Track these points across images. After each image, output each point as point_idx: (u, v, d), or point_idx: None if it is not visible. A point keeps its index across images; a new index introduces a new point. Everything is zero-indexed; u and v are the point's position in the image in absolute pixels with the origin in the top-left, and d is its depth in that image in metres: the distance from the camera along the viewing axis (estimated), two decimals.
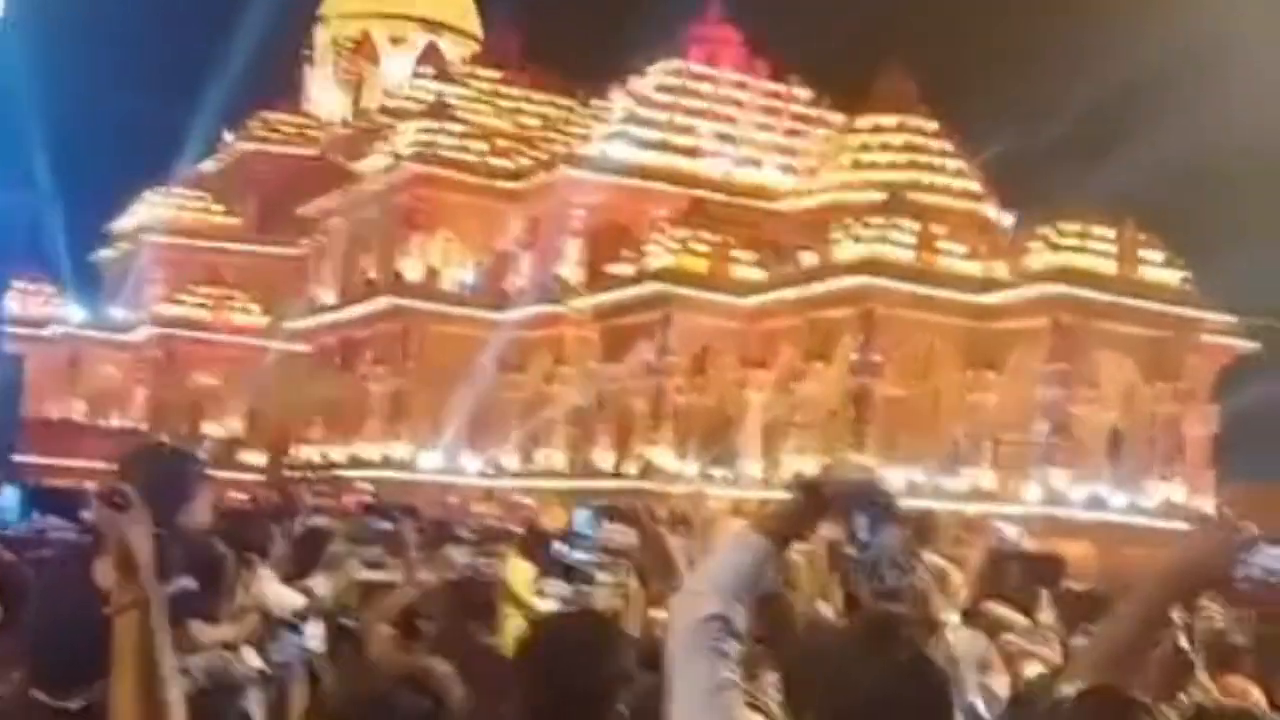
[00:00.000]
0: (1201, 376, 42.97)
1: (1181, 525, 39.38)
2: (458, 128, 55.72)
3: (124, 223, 68.73)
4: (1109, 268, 41.55)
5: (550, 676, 3.10)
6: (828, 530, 2.89)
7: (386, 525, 8.48)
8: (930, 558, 7.88)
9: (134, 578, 2.42)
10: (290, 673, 6.05)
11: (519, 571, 9.15)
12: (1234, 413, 43.15)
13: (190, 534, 4.25)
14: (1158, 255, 42.43)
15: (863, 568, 2.65)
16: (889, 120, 48.34)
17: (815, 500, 2.68)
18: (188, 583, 4.00)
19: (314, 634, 6.33)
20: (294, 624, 6.23)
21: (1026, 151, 55.72)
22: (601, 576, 6.56)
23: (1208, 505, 42.08)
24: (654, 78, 55.63)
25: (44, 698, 2.71)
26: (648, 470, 44.70)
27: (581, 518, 10.22)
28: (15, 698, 2.80)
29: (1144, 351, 41.89)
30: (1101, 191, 43.03)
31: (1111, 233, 42.08)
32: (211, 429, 62.42)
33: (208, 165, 70.91)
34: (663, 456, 45.48)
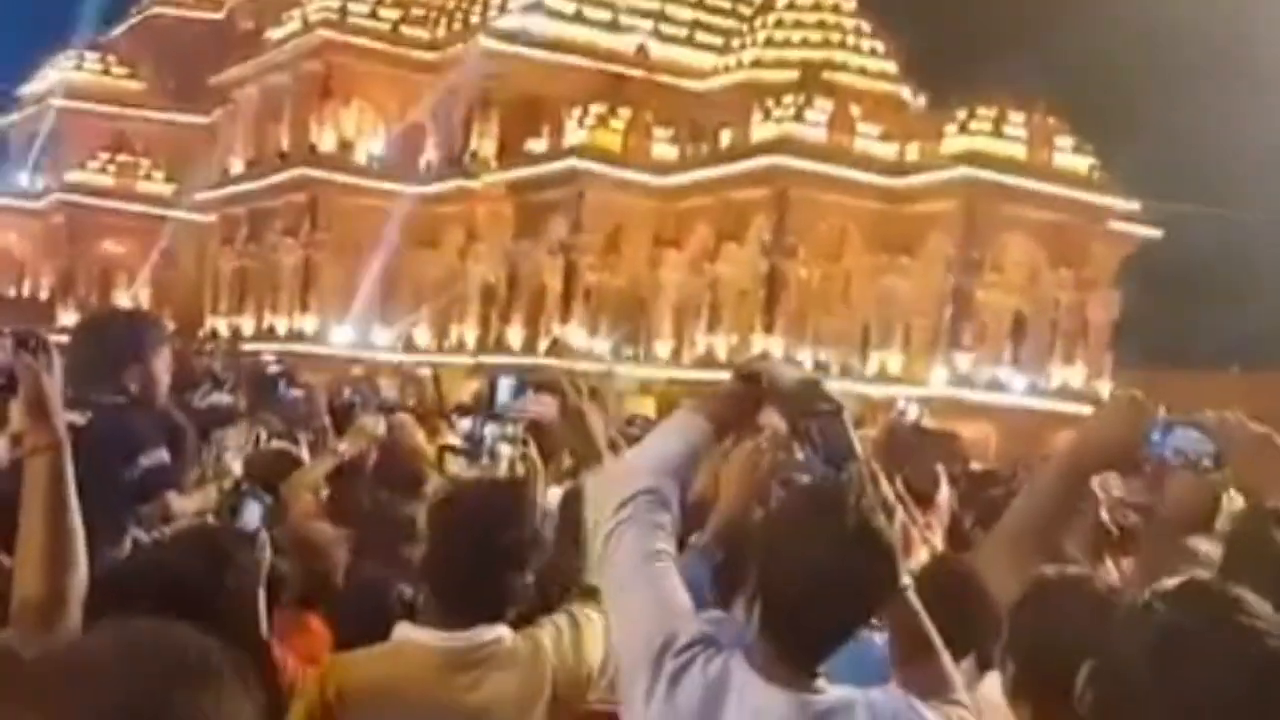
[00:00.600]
0: (1105, 263, 43.49)
1: (1079, 408, 40.29)
2: None
3: (31, 87, 66.93)
4: (1020, 153, 41.75)
5: (463, 538, 3.09)
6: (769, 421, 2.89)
7: (297, 393, 8.25)
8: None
9: (46, 421, 2.43)
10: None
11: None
12: (1133, 300, 43.79)
13: (149, 401, 4.21)
14: (1068, 141, 42.68)
15: (815, 466, 2.63)
16: None
17: (755, 391, 2.67)
18: (162, 455, 4.05)
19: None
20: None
21: (945, 35, 55.53)
22: (505, 449, 6.45)
23: (1105, 389, 42.95)
24: None
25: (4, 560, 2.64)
26: (558, 348, 44.71)
27: (504, 387, 10.14)
28: None
29: (1050, 237, 42.31)
30: (1016, 77, 43.11)
31: (1023, 118, 42.22)
32: (120, 299, 61.63)
33: (116, 30, 69.10)
34: (574, 334, 45.51)
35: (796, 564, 2.36)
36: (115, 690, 1.38)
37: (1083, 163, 42.83)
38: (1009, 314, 44.05)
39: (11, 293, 62.77)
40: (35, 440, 2.43)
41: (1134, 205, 43.71)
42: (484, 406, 10.32)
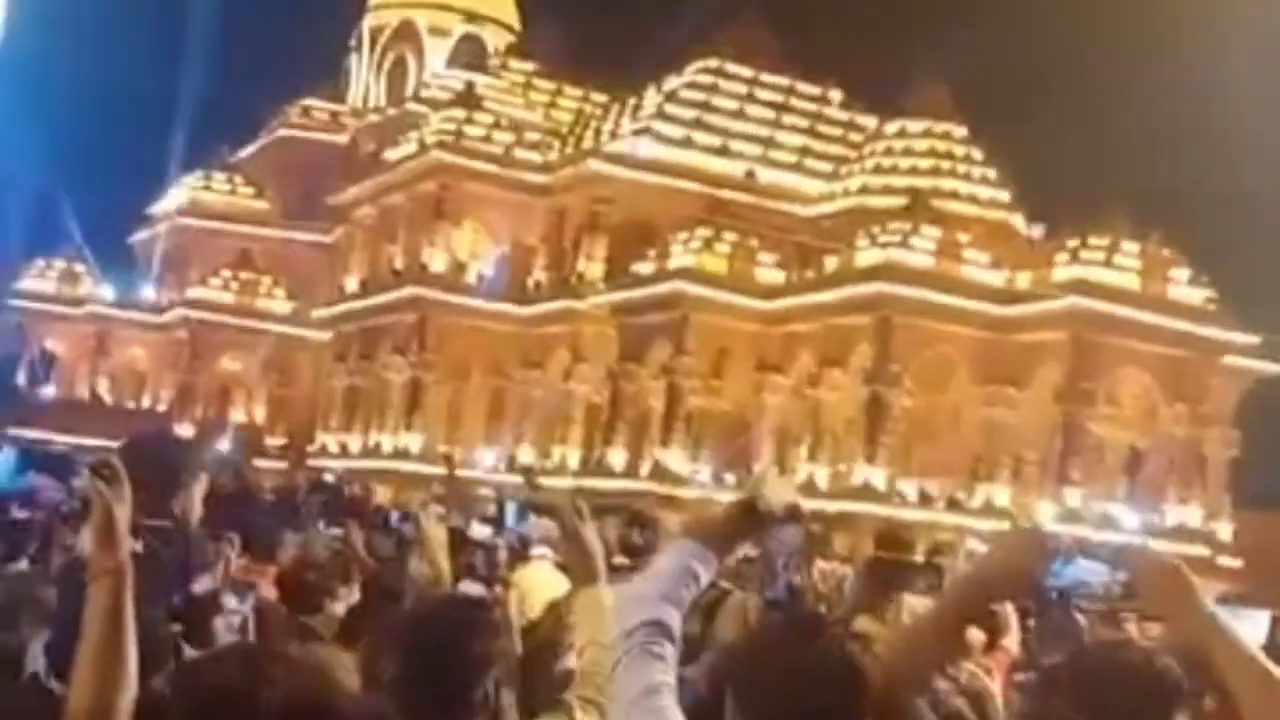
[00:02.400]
0: (1223, 398, 42.07)
1: (1195, 549, 38.73)
2: (486, 118, 55.42)
3: (161, 205, 69.00)
4: (1133, 283, 40.74)
5: (420, 655, 3.20)
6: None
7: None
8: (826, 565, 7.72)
9: (112, 547, 2.59)
10: None
11: None
12: (1253, 437, 42.24)
13: (187, 526, 4.42)
14: (1183, 273, 41.58)
15: (763, 570, 2.77)
16: (916, 125, 47.73)
17: (751, 519, 2.72)
18: (210, 582, 4.33)
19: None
20: None
21: (1062, 165, 54.93)
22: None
23: (1223, 530, 41.33)
24: (686, 76, 55.10)
25: (60, 688, 2.84)
26: (659, 472, 44.29)
27: (510, 510, 10.44)
28: (31, 691, 2.96)
29: (1166, 371, 41.06)
30: (1132, 208, 42.36)
31: (1137, 248, 41.27)
32: (237, 414, 62.65)
33: (246, 151, 71.19)
34: (675, 458, 45.04)
35: (769, 690, 2.46)
36: None
37: (1198, 295, 41.68)
38: (1123, 449, 42.73)
39: (132, 405, 64.05)
40: (100, 565, 2.60)
41: (1253, 339, 42.33)
42: (494, 528, 10.40)
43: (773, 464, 44.96)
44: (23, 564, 7.42)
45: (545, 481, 45.34)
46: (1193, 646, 2.57)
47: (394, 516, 12.96)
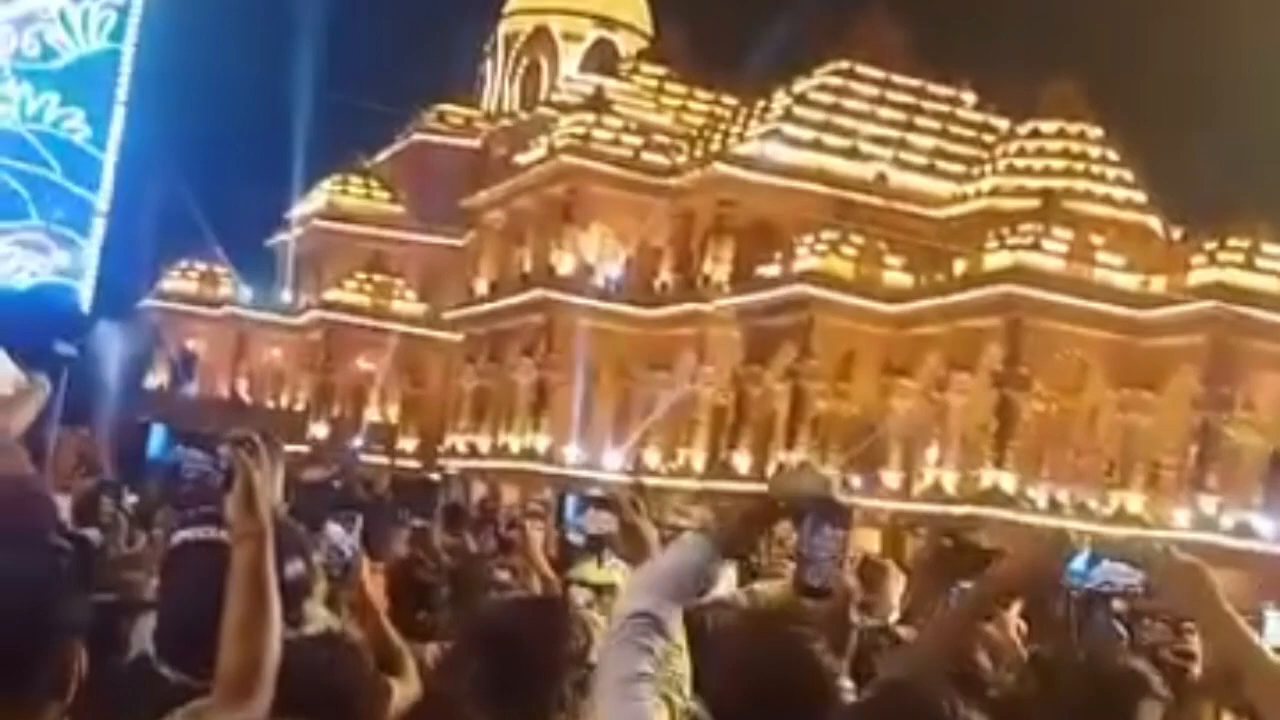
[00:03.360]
0: None
1: None
2: (615, 122, 55.63)
3: (299, 209, 70.41)
4: (1273, 286, 39.54)
5: (502, 654, 3.30)
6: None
7: None
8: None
9: (254, 512, 2.82)
10: None
11: None
12: None
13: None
14: None
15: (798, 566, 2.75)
16: (1050, 126, 46.89)
17: (767, 511, 2.75)
18: (300, 566, 4.31)
19: None
20: None
21: (1203, 167, 53.52)
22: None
23: None
24: (816, 78, 54.76)
25: (169, 672, 2.93)
26: None
27: (571, 503, 10.61)
28: (137, 672, 3.03)
29: None
30: (1273, 210, 41.14)
31: (1277, 249, 40.04)
32: (371, 414, 63.68)
33: (382, 155, 72.36)
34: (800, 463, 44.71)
35: (730, 681, 2.58)
36: None
37: None
38: (1262, 455, 41.43)
39: (270, 404, 65.45)
40: (244, 528, 2.81)
41: None
42: (554, 521, 10.54)
43: (900, 468, 44.45)
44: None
45: (670, 484, 45.57)
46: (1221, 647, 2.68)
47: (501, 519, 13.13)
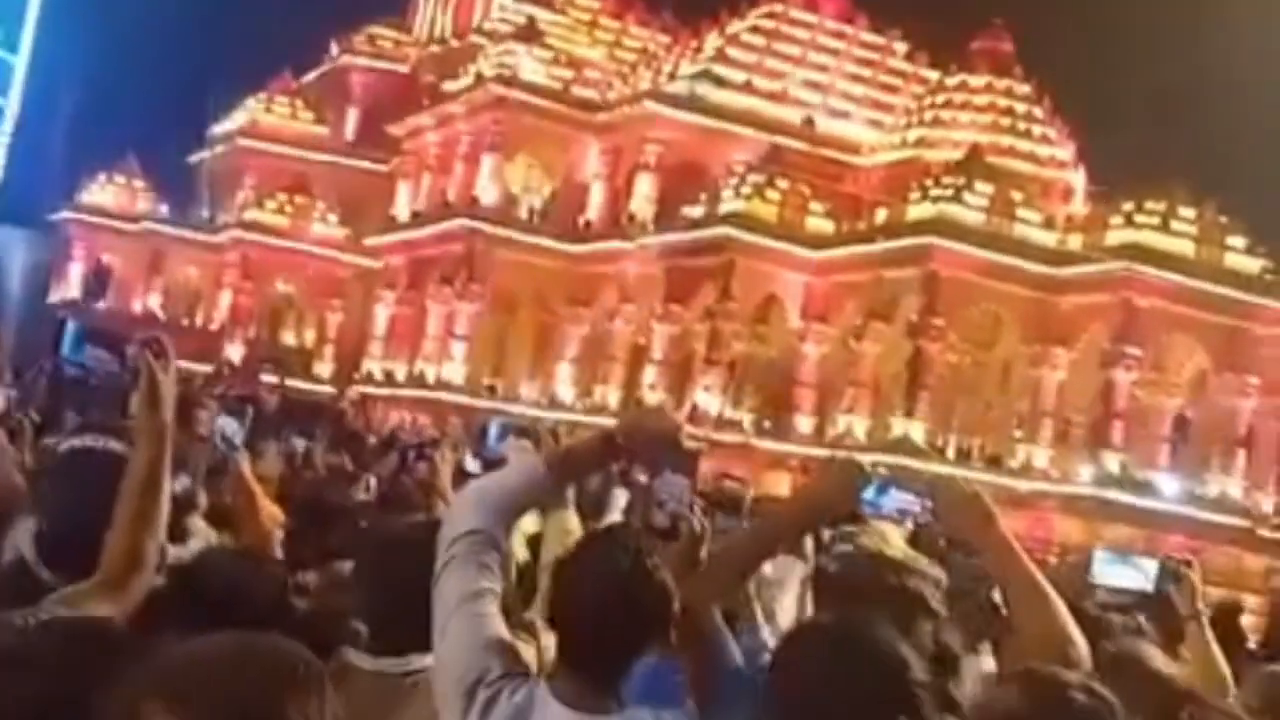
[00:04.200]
0: (1274, 369, 41.29)
1: (1236, 520, 38.23)
2: (545, 53, 55.13)
3: (221, 127, 69.25)
4: (1187, 249, 40.02)
5: (395, 575, 3.30)
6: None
7: None
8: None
9: (158, 410, 2.92)
10: None
11: None
12: None
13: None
14: (1240, 241, 40.79)
15: (641, 505, 2.90)
16: (978, 80, 47.03)
17: (604, 447, 2.82)
18: (186, 481, 4.71)
19: None
20: None
21: (1130, 125, 54.01)
22: None
23: (1268, 503, 40.75)
24: (749, 19, 54.54)
25: (48, 576, 2.98)
26: (697, 416, 44.12)
27: (493, 428, 10.52)
28: (14, 574, 3.08)
29: (1216, 339, 40.40)
30: (1193, 171, 41.65)
31: (1193, 213, 40.50)
32: (287, 337, 63.05)
33: (309, 76, 71.22)
34: (715, 404, 44.85)
35: (580, 599, 2.61)
36: (236, 692, 1.64)
37: (1255, 264, 40.85)
38: (1168, 416, 42.12)
39: (185, 322, 64.53)
40: (147, 425, 2.92)
41: None
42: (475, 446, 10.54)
43: (813, 414, 44.67)
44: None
45: (586, 420, 45.55)
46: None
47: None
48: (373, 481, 9.02)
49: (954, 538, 3.11)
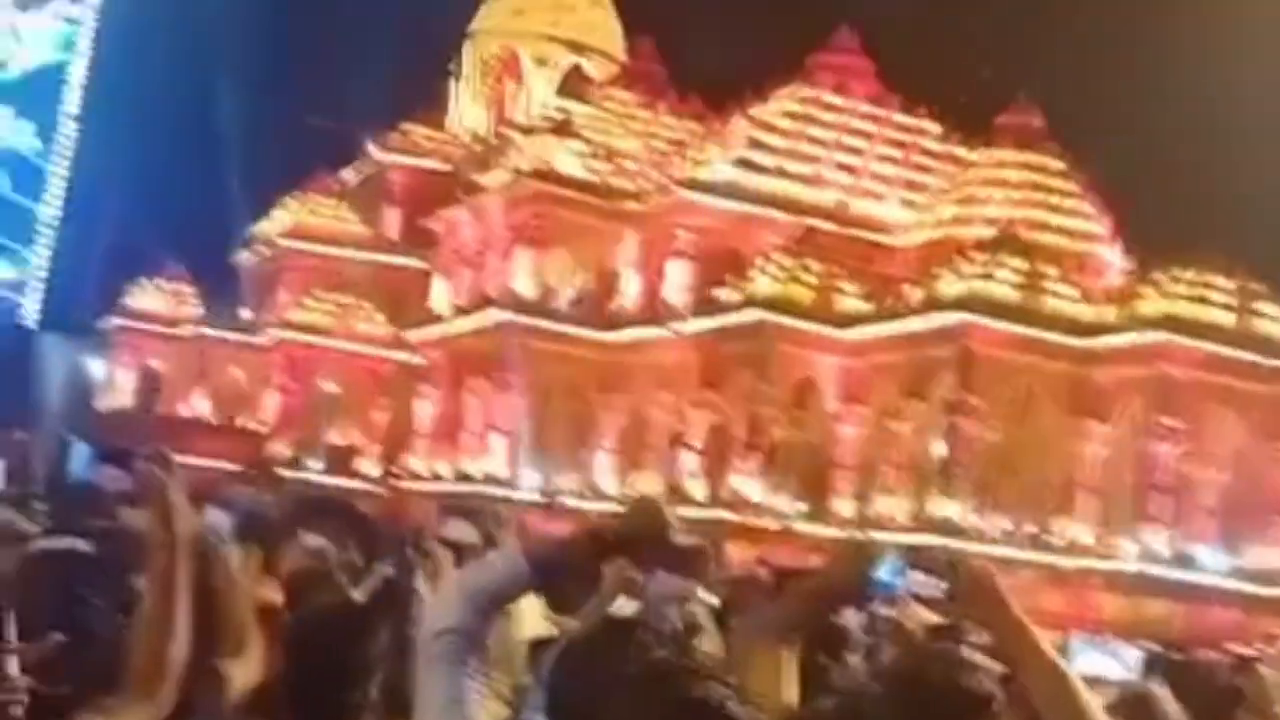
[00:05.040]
0: None
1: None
2: (580, 146, 55.71)
3: (264, 227, 70.25)
4: (1223, 319, 39.65)
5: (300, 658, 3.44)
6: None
7: None
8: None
9: (168, 524, 2.98)
10: None
11: None
12: None
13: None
14: (1275, 309, 40.37)
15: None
16: (1009, 155, 47.00)
17: (593, 544, 2.76)
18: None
19: None
20: None
21: (1165, 198, 53.74)
22: None
23: None
24: (781, 104, 54.89)
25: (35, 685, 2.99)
26: (738, 502, 43.95)
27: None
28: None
29: (1257, 409, 39.84)
30: (1230, 243, 41.35)
31: (1229, 283, 40.18)
32: (333, 436, 63.40)
33: (348, 175, 72.22)
34: (755, 489, 44.63)
35: (581, 694, 2.50)
36: None
37: None
38: (1210, 488, 41.46)
39: (230, 424, 65.08)
40: (157, 539, 3.00)
41: None
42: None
43: (852, 496, 44.32)
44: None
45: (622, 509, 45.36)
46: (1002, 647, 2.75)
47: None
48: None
49: (970, 618, 2.99)
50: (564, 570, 2.80)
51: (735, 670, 2.78)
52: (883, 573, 2.78)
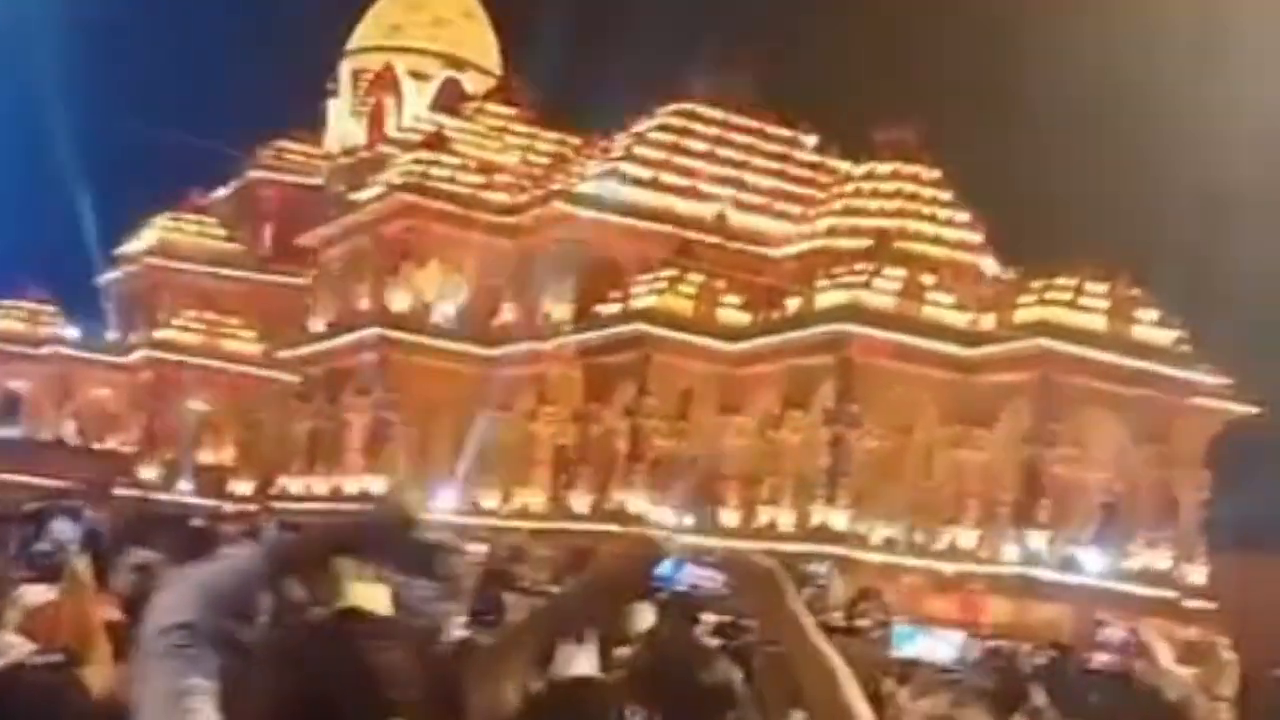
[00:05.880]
0: (1193, 440, 41.36)
1: (1162, 592, 37.99)
2: (453, 160, 55.05)
3: (130, 246, 68.56)
4: (1099, 324, 40.17)
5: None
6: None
7: None
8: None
9: None
10: None
11: None
12: (1228, 479, 41.47)
13: None
14: (1151, 314, 41.00)
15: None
16: (885, 167, 47.31)
17: (331, 538, 2.68)
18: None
19: None
20: None
21: (1036, 205, 54.55)
22: None
23: (1195, 574, 40.57)
24: (657, 118, 54.80)
25: None
26: (621, 515, 43.50)
27: None
28: None
29: (1133, 412, 40.39)
30: (1105, 249, 41.91)
31: (1104, 288, 40.73)
32: (204, 456, 61.91)
33: (219, 192, 70.80)
34: (638, 501, 44.27)
35: (285, 689, 2.40)
36: None
37: (1166, 335, 41.02)
38: (1091, 491, 42.00)
39: (97, 446, 63.36)
40: None
41: (1224, 381, 41.71)
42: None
43: (737, 507, 44.16)
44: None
45: (508, 525, 44.82)
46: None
47: None
48: None
49: (748, 612, 2.92)
50: (304, 564, 2.73)
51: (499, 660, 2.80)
52: (664, 567, 2.82)
